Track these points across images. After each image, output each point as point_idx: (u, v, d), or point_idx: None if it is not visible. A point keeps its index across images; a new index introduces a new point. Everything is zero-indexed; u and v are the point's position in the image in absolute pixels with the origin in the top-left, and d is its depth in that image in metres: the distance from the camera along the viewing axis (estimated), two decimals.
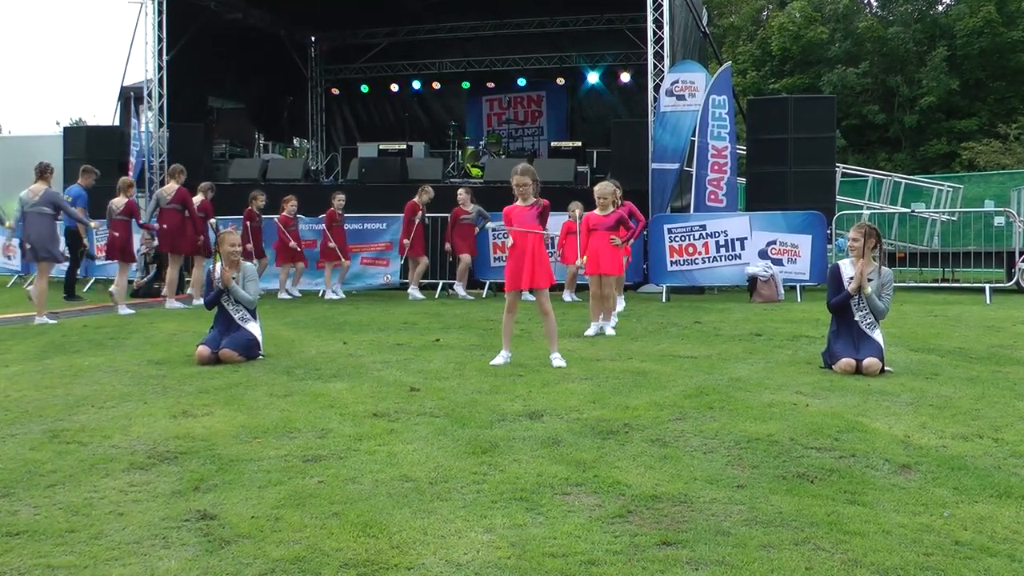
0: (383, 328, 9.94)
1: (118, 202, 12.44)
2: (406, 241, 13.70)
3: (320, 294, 14.32)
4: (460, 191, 14.08)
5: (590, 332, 9.24)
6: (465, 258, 13.96)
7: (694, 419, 5.16)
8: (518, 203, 7.35)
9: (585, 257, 9.39)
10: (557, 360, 7.15)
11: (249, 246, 13.75)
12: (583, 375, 6.75)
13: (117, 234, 12.27)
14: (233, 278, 7.66)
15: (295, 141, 24.42)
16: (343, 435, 4.84)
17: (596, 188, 9.56)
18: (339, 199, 14.25)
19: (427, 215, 14.08)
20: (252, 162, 18.32)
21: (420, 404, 5.65)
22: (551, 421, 5.15)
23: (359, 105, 24.10)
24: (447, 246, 13.90)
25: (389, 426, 5.04)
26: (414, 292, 13.86)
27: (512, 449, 4.52)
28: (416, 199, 13.84)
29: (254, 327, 7.73)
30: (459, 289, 13.94)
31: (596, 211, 9.45)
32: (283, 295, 14.21)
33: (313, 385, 6.38)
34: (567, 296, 13.27)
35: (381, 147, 19.04)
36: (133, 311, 11.83)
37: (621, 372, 6.84)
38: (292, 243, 14.08)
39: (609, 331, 9.27)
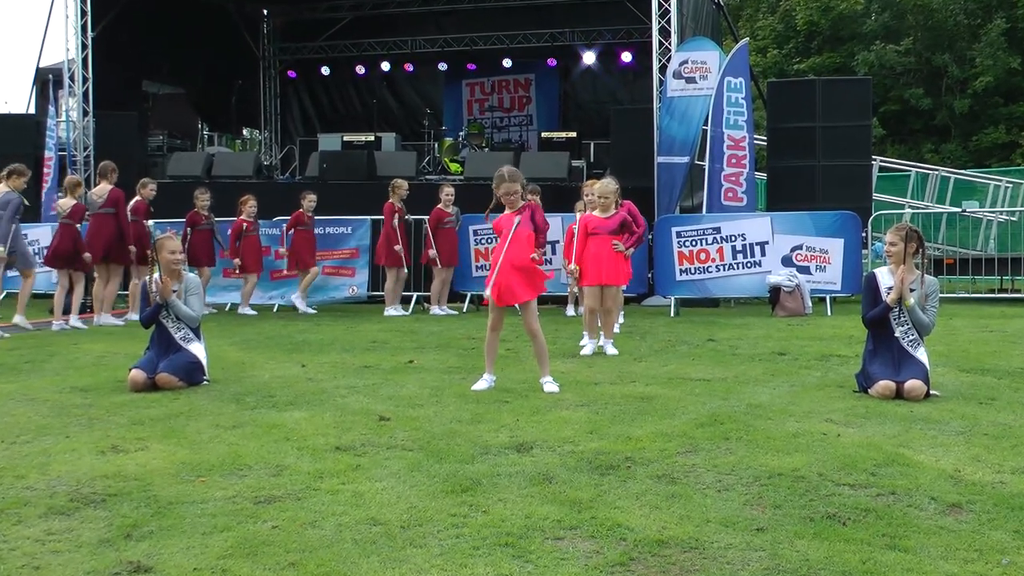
0: (348, 348, 9.92)
1: (65, 204, 12.46)
2: (397, 248, 13.67)
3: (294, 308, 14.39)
4: (445, 188, 14.03)
5: (586, 351, 9.27)
6: (442, 275, 13.88)
7: (707, 452, 5.17)
8: (507, 212, 7.31)
9: (576, 266, 9.40)
10: (549, 385, 7.17)
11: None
12: (579, 401, 6.74)
13: (64, 240, 12.28)
14: (174, 291, 7.66)
15: (245, 132, 24.48)
16: (301, 472, 4.83)
17: (596, 186, 9.63)
18: (309, 199, 14.28)
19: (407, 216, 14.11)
20: (194, 157, 18.32)
21: (390, 436, 5.63)
22: (542, 454, 5.15)
23: (319, 90, 24.14)
24: (430, 253, 13.77)
25: (354, 461, 5.03)
26: (393, 310, 13.83)
27: (497, 487, 4.52)
28: (391, 199, 13.84)
29: (197, 348, 7.72)
30: (436, 309, 13.88)
31: (596, 212, 9.52)
32: (245, 310, 14.23)
33: (266, 415, 6.36)
34: (570, 311, 13.31)
35: (345, 139, 19.07)
36: (85, 325, 11.93)
37: (623, 398, 6.84)
38: (236, 260, 14.12)
39: (610, 350, 9.30)
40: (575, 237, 9.77)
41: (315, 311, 14.26)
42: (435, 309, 13.87)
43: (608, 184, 9.49)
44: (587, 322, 9.60)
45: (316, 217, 14.61)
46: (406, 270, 13.99)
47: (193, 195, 14.14)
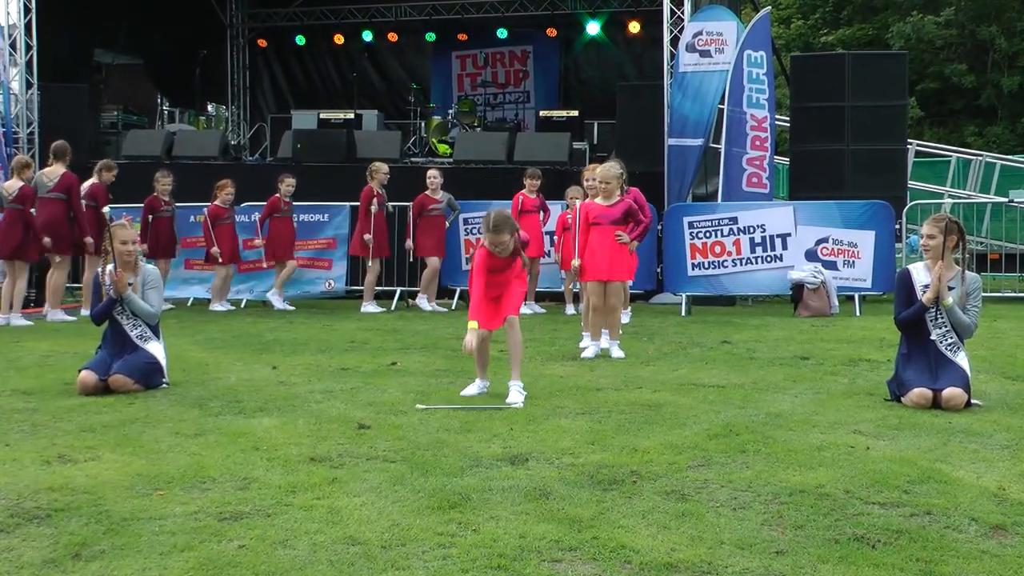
0: (324, 348, 9.93)
1: (11, 186, 12.45)
2: (367, 237, 13.70)
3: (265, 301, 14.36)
4: (432, 172, 14.10)
5: (588, 353, 9.28)
6: (433, 263, 13.97)
7: (721, 466, 5.18)
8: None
9: (578, 260, 9.42)
10: (515, 392, 7.04)
11: (144, 246, 13.74)
12: (579, 408, 6.75)
13: (11, 226, 12.26)
14: (129, 284, 7.65)
15: (210, 108, 24.36)
16: (271, 486, 4.83)
17: (598, 171, 9.62)
18: (288, 184, 14.28)
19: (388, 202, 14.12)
20: (153, 135, 18.27)
21: (371, 445, 5.64)
22: (538, 467, 5.15)
23: (293, 62, 24.09)
24: (407, 243, 13.94)
25: (331, 474, 5.03)
26: (370, 307, 13.85)
27: (488, 503, 4.53)
28: (370, 183, 13.85)
29: (155, 347, 7.72)
30: (423, 303, 13.95)
31: (598, 200, 9.51)
32: (218, 306, 14.24)
33: (233, 422, 6.36)
34: (570, 309, 13.33)
35: (322, 116, 19.04)
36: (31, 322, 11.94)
37: (628, 405, 6.85)
38: (214, 248, 14.09)
39: (615, 352, 9.31)
40: (576, 227, 9.78)
41: (293, 308, 14.25)
42: (422, 303, 13.90)
43: (611, 168, 9.45)
44: (590, 321, 9.59)
45: (255, 203, 14.62)
46: (375, 263, 13.97)
47: (153, 178, 14.12)
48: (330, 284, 14.92)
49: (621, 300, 9.81)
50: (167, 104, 22.59)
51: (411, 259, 14.21)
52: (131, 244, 7.76)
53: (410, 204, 14.09)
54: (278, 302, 14.29)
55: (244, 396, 7.26)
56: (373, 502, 4.56)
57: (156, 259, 13.82)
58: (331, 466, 5.21)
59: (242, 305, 14.62)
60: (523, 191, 13.59)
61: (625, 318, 11.01)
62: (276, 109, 23.11)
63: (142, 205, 14.01)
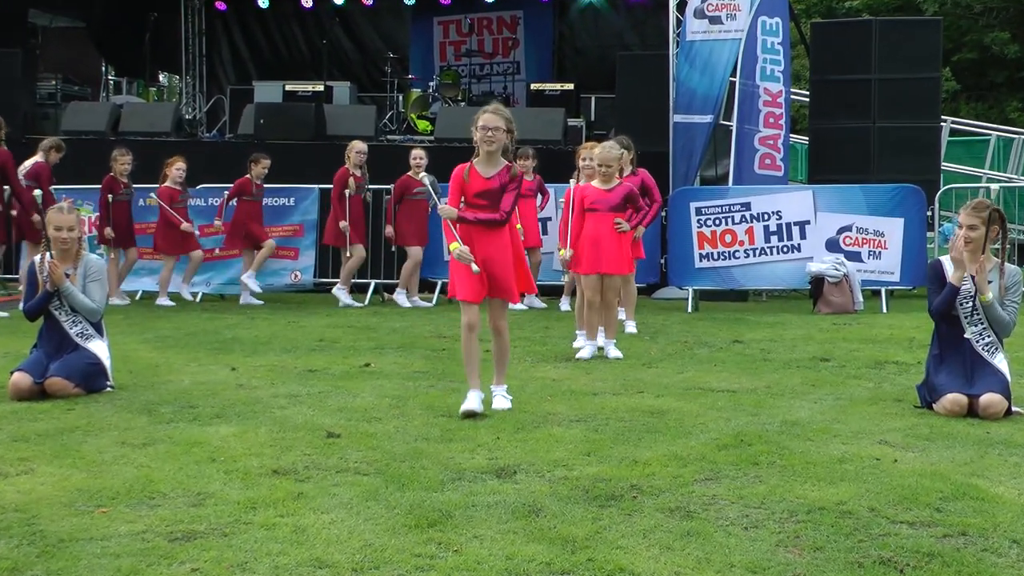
0: (289, 348, 9.91)
1: None
2: (343, 224, 13.66)
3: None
4: (416, 152, 14.02)
5: (584, 354, 9.27)
6: (414, 253, 13.91)
7: (731, 479, 5.19)
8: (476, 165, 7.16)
9: (569, 249, 9.39)
10: (500, 399, 7.00)
11: (108, 230, 13.72)
12: (573, 415, 6.75)
13: None
14: (67, 275, 7.61)
15: (161, 78, 24.30)
16: (229, 502, 4.81)
17: (596, 152, 9.55)
18: (263, 165, 14.16)
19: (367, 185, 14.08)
20: (97, 108, 18.21)
21: (341, 456, 5.64)
22: (528, 481, 5.16)
23: (256, 27, 23.97)
24: (387, 230, 13.92)
25: (296, 488, 5.02)
26: (342, 295, 13.84)
27: (472, 521, 4.53)
28: (347, 164, 13.83)
29: (99, 346, 7.69)
30: (401, 298, 13.90)
31: (595, 182, 9.49)
32: (185, 294, 14.24)
33: (186, 430, 6.34)
34: (564, 305, 13.31)
35: (288, 88, 18.98)
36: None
37: (628, 412, 6.85)
38: (184, 224, 14.02)
39: (612, 352, 9.31)
40: (569, 212, 9.76)
41: (261, 302, 14.16)
42: (401, 298, 13.87)
43: (610, 151, 9.33)
44: (585, 319, 9.57)
45: (220, 185, 14.58)
46: (362, 248, 13.96)
47: (111, 156, 14.03)
48: (296, 276, 14.88)
49: (618, 294, 9.79)
50: (112, 73, 22.50)
51: (392, 248, 14.17)
52: (66, 231, 7.69)
53: (384, 187, 14.07)
54: (254, 285, 14.17)
55: (199, 401, 7.23)
56: (343, 520, 4.55)
57: (122, 248, 13.89)
58: (296, 479, 5.20)
59: (197, 299, 14.55)
60: None
61: (631, 327, 10.81)
62: (236, 80, 23.01)
63: (100, 187, 13.92)
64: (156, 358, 9.30)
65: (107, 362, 7.71)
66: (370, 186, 14.35)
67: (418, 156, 13.90)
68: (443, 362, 9.02)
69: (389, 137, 18.23)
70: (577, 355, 9.31)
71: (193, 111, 22.67)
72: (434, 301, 14.24)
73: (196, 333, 11.06)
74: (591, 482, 5.12)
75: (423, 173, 13.84)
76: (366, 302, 14.23)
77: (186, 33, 23.43)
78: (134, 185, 14.32)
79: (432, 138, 17.08)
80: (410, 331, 11.19)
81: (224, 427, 6.41)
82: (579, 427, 6.39)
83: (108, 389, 7.63)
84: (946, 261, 7.08)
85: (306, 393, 7.54)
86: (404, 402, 7.19)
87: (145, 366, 8.82)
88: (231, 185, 14.26)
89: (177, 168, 14.09)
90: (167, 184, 14.10)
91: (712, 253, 13.69)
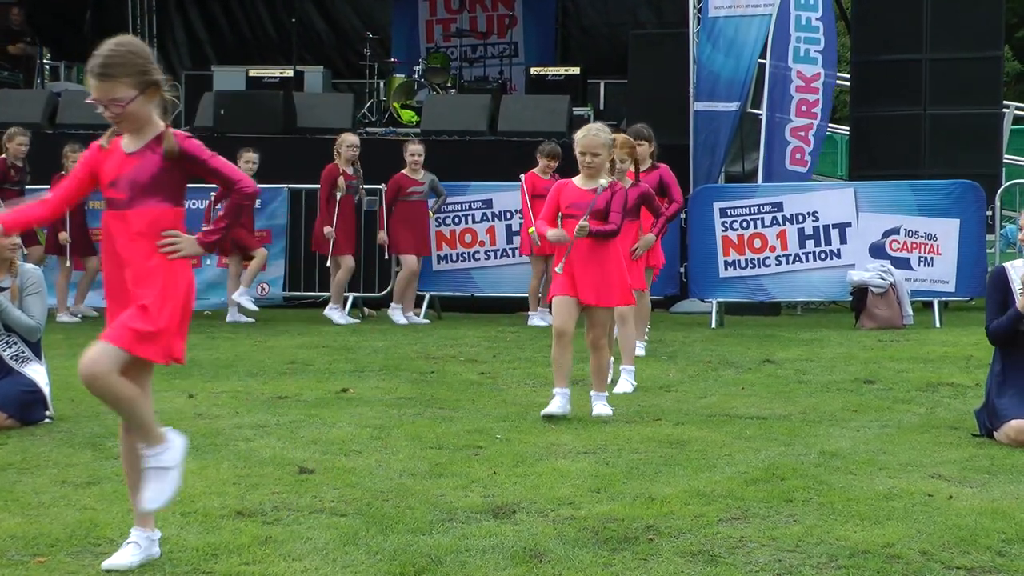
0: (255, 371, 9.89)
1: None
2: (328, 229, 13.64)
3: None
4: (413, 148, 13.99)
5: (552, 408, 7.87)
6: (409, 262, 13.78)
7: (762, 519, 5.19)
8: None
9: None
10: (601, 406, 7.87)
11: (64, 235, 13.76)
12: (581, 446, 6.74)
13: None
14: (2, 288, 7.60)
15: None
16: (186, 548, 4.81)
17: (578, 136, 8.21)
18: (245, 159, 14.08)
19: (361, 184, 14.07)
20: (31, 96, 18.19)
21: (315, 495, 5.63)
22: (528, 521, 5.16)
23: (214, 4, 24.02)
24: (380, 236, 13.85)
25: (263, 532, 5.02)
26: (335, 315, 13.83)
27: (465, 567, 4.53)
28: (336, 159, 13.82)
29: (36, 371, 7.65)
30: (396, 314, 13.80)
31: (577, 180, 8.23)
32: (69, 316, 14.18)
33: None
34: (534, 319, 13.29)
35: (252, 74, 18.97)
36: None
37: (643, 442, 6.85)
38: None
39: (600, 410, 8.05)
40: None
41: (252, 320, 14.08)
42: (396, 314, 13.78)
43: (596, 135, 8.07)
44: (553, 359, 8.14)
45: (205, 187, 14.55)
46: (346, 259, 13.95)
47: (62, 153, 14.04)
48: (264, 289, 14.85)
49: (608, 333, 8.47)
50: (48, 56, 22.48)
51: (386, 256, 14.07)
52: (2, 236, 7.66)
53: (378, 187, 14.04)
54: (247, 302, 14.12)
55: None
56: (317, 567, 4.55)
57: (77, 257, 13.90)
58: (264, 522, 5.20)
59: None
60: (535, 170, 13.57)
61: (640, 350, 10.04)
62: (192, 64, 23.02)
63: (47, 187, 13.92)
64: None
65: (46, 389, 7.66)
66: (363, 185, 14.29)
67: (415, 152, 13.84)
68: (431, 386, 9.01)
69: (369, 129, 18.20)
70: (543, 411, 7.92)
71: None
72: (422, 315, 14.21)
73: None
74: (601, 522, 5.12)
75: (424, 172, 13.91)
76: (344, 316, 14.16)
77: (133, 11, 23.38)
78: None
79: (418, 130, 17.08)
80: (394, 352, 11.17)
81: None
82: (587, 460, 6.39)
83: (47, 420, 7.58)
84: (1011, 268, 7.06)
85: (275, 423, 7.52)
86: (387, 432, 7.17)
87: (89, 394, 8.79)
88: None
89: None
90: None
91: (739, 261, 13.68)
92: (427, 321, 14.03)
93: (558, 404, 7.65)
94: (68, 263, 13.87)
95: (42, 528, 5.13)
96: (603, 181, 7.83)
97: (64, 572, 4.56)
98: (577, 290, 7.95)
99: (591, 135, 8.12)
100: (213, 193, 14.20)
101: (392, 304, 14.01)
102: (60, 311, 13.59)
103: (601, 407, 8.04)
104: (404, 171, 13.84)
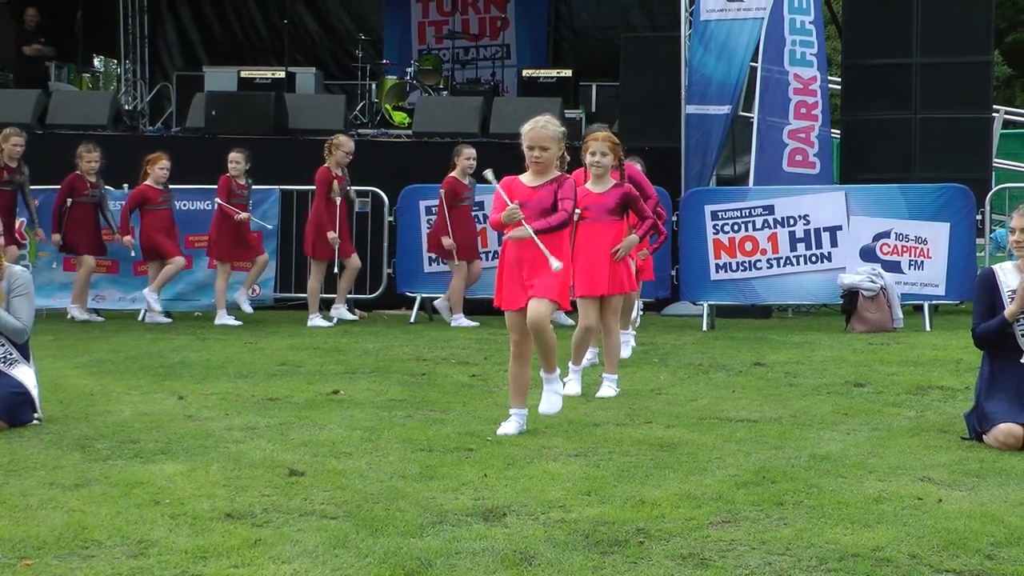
0: (246, 373, 9.90)
1: None
2: (333, 235, 13.60)
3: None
4: (467, 151, 13.88)
5: (570, 391, 8.62)
6: (461, 268, 13.77)
7: (752, 522, 5.20)
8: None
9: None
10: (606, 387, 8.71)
11: (56, 237, 13.80)
12: (572, 449, 6.76)
13: None
14: None
15: (97, 63, 24.22)
16: (175, 551, 4.81)
17: (526, 128, 7.87)
18: (237, 161, 14.09)
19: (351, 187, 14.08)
20: (20, 96, 18.11)
21: (305, 497, 5.64)
22: (519, 524, 5.17)
23: (206, 4, 23.99)
24: (446, 242, 13.63)
25: (253, 534, 5.02)
26: (339, 313, 13.85)
27: (455, 570, 4.54)
28: (328, 162, 13.80)
29: (24, 372, 7.64)
30: (458, 318, 13.73)
31: (523, 177, 7.91)
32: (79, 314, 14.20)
33: (126, 468, 6.32)
34: (457, 319, 13.39)
35: (243, 75, 18.96)
36: None
37: (634, 445, 6.86)
38: (125, 238, 14.05)
39: (605, 390, 8.81)
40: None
41: (240, 323, 14.03)
42: (456, 316, 13.75)
43: (545, 127, 7.60)
44: (572, 344, 8.96)
45: (197, 188, 14.55)
46: (357, 259, 13.96)
47: (76, 153, 14.04)
48: (255, 291, 14.85)
49: (618, 316, 9.22)
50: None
51: (455, 262, 13.95)
52: None
53: (370, 190, 14.03)
54: (246, 305, 14.11)
55: (141, 435, 7.21)
56: (307, 570, 4.55)
57: (77, 256, 13.96)
58: (253, 524, 5.20)
59: (139, 318, 14.47)
60: (453, 173, 13.57)
61: (626, 351, 10.39)
62: (184, 65, 22.97)
63: (59, 187, 13.95)
64: (91, 385, 9.26)
65: (34, 391, 7.65)
66: (354, 187, 14.28)
67: (471, 156, 13.68)
68: (423, 388, 9.02)
69: (360, 131, 18.20)
70: (563, 390, 8.22)
71: (134, 101, 22.61)
72: (412, 318, 14.22)
73: (138, 357, 11.02)
74: (591, 525, 5.13)
75: (488, 170, 13.70)
76: (334, 320, 14.14)
77: (125, 10, 23.37)
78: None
79: (410, 133, 17.09)
80: (385, 353, 11.18)
81: (170, 465, 6.38)
82: (578, 462, 6.40)
83: (35, 422, 7.57)
84: (999, 271, 7.08)
85: (265, 425, 7.53)
86: (378, 434, 7.18)
87: (78, 395, 8.78)
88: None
89: (161, 167, 14.03)
90: (148, 183, 14.05)
91: (730, 263, 13.69)
92: (476, 324, 13.62)
93: (515, 424, 7.32)
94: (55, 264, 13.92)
95: (29, 531, 5.12)
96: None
97: (51, 574, 4.55)
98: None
99: (539, 127, 7.65)
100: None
101: (453, 310, 13.83)
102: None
103: (606, 388, 8.83)
104: (454, 174, 13.72)
